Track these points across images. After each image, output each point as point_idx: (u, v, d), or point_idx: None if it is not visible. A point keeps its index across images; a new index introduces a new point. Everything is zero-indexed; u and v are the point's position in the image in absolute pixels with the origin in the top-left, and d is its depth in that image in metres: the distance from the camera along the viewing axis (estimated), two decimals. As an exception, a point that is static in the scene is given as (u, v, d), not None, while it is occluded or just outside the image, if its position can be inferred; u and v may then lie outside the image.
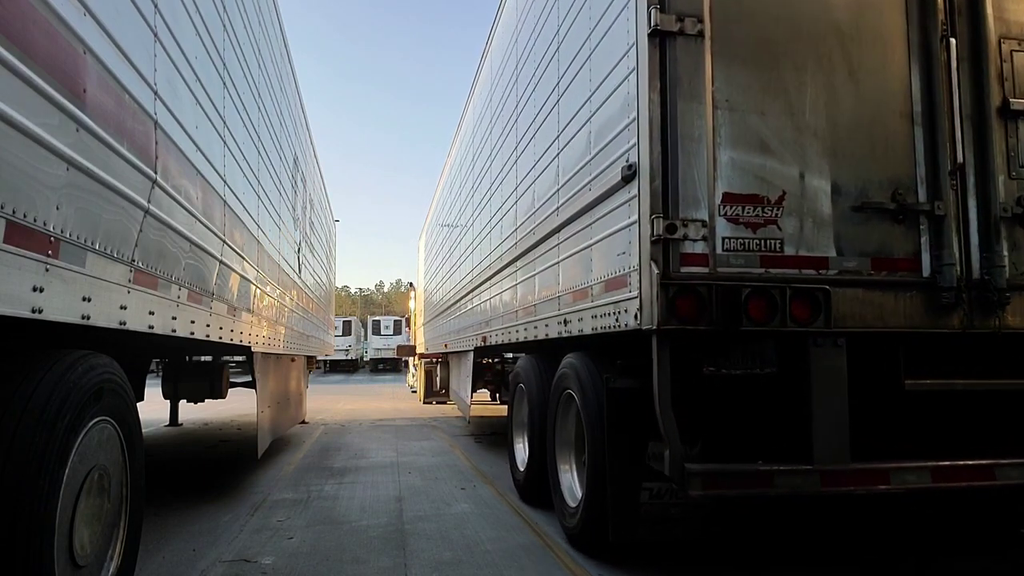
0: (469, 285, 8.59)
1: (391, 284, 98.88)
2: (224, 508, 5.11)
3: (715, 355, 3.16)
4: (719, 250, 3.02)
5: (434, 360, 14.64)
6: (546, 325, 4.78)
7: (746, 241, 3.05)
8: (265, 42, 6.17)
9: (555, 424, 4.53)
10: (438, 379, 14.16)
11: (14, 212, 1.84)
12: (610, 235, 3.51)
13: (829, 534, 4.35)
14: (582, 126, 4.01)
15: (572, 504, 4.14)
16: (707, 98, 3.05)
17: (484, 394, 11.45)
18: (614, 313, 3.41)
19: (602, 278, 3.63)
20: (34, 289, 1.97)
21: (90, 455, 2.47)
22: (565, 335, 4.32)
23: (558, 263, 4.50)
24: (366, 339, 42.48)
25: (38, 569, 2.03)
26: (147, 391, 6.50)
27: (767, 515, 4.17)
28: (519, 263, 5.72)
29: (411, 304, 21.60)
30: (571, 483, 4.34)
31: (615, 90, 3.46)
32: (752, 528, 4.19)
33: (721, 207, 3.04)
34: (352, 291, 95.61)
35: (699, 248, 3.01)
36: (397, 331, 38.78)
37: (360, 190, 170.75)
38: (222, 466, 7.16)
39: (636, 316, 3.09)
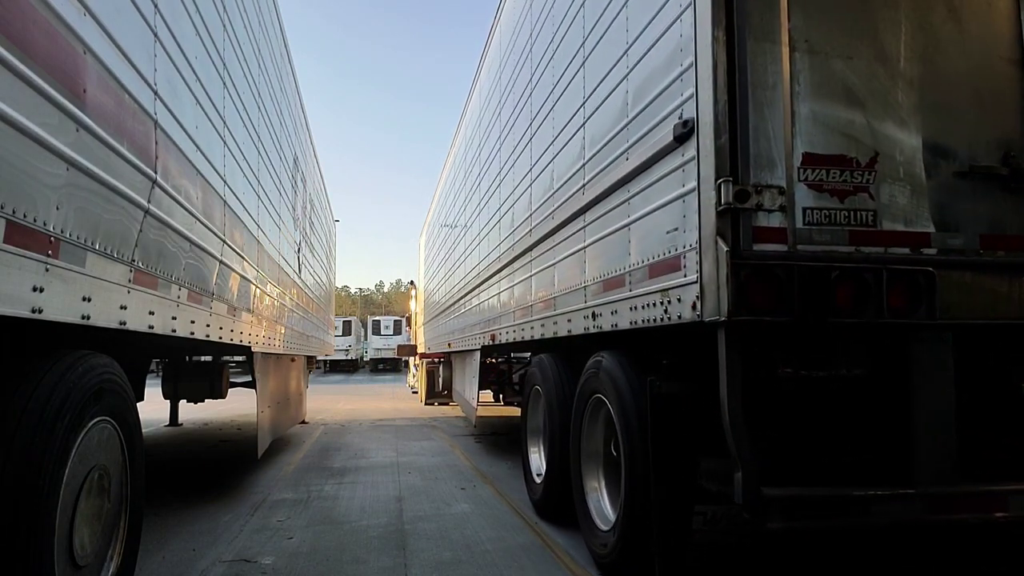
0: (475, 280, 8.37)
1: (391, 284, 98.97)
2: (224, 508, 5.10)
3: (788, 353, 2.62)
4: (799, 223, 2.52)
5: (436, 360, 14.44)
6: (568, 320, 4.30)
7: (832, 212, 2.54)
8: (265, 42, 6.17)
9: (580, 433, 4.02)
10: (440, 380, 13.95)
11: (14, 212, 1.84)
12: (656, 209, 3.03)
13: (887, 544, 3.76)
14: (616, 86, 3.53)
15: (603, 528, 3.61)
16: (783, 38, 2.55)
17: (486, 394, 11.31)
18: (662, 303, 2.93)
19: (644, 262, 3.15)
20: (34, 289, 1.97)
21: (90, 455, 2.47)
22: (593, 331, 3.80)
23: (583, 249, 4.03)
24: (366, 339, 42.47)
25: (38, 569, 2.02)
26: (147, 391, 6.49)
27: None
28: (534, 252, 5.25)
29: (411, 303, 21.57)
30: (601, 503, 3.80)
31: (663, 35, 2.98)
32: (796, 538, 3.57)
33: (801, 170, 2.53)
34: (352, 291, 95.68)
35: (775, 221, 2.50)
36: (397, 331, 38.78)
37: (360, 190, 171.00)
38: (222, 466, 7.16)
39: (694, 306, 2.62)
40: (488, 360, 9.21)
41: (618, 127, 3.51)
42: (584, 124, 4.07)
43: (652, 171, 3.07)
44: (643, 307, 3.15)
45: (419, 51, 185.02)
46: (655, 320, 3.01)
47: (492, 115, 7.32)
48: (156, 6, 2.99)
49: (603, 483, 3.88)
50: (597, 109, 3.84)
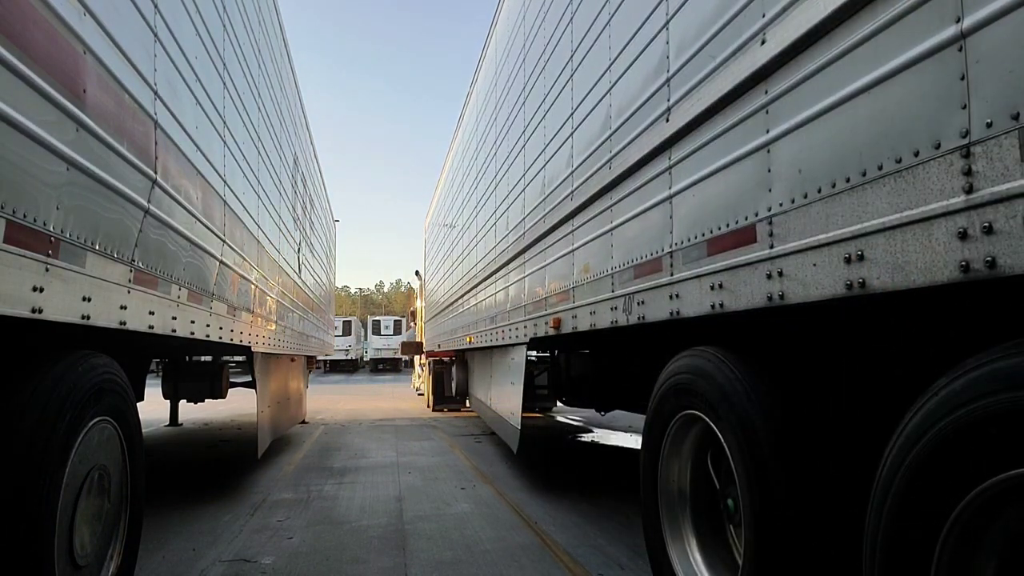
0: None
1: (391, 284, 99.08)
2: (224, 508, 5.11)
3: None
4: None
5: (445, 360, 13.06)
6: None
7: None
8: (265, 42, 6.18)
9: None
10: (451, 382, 12.48)
11: (14, 212, 1.84)
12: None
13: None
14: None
15: None
16: None
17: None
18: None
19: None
20: (34, 289, 1.97)
21: (90, 455, 2.47)
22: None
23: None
24: (366, 339, 42.53)
25: (38, 569, 2.02)
26: (147, 391, 6.50)
27: None
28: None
29: (415, 301, 21.43)
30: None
31: None
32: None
33: None
34: (352, 291, 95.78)
35: None
36: (397, 331, 38.89)
37: (360, 189, 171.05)
38: (222, 466, 7.16)
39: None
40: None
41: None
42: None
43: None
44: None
45: (419, 50, 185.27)
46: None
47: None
48: (156, 6, 2.99)
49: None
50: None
